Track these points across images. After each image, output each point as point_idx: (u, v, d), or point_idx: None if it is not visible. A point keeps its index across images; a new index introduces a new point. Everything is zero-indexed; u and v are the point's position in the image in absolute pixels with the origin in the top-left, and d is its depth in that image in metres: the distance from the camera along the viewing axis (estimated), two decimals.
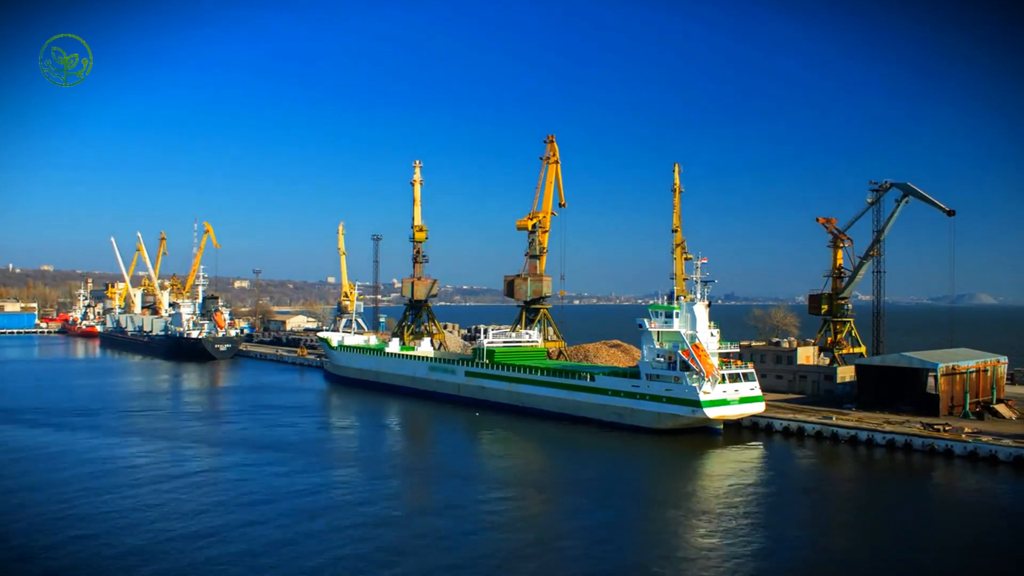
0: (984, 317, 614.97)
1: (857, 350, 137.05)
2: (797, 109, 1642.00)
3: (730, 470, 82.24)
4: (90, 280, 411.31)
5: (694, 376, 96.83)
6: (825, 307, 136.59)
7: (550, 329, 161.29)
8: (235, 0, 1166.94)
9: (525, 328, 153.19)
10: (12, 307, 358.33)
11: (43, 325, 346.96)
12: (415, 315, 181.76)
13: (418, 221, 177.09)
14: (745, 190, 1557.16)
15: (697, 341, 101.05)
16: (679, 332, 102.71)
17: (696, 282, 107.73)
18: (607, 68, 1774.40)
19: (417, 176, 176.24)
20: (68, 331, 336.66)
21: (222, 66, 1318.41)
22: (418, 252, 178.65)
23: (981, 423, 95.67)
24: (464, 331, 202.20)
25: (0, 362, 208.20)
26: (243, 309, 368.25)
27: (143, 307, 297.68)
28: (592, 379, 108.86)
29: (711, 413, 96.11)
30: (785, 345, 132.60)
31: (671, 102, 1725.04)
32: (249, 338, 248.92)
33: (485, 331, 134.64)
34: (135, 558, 51.22)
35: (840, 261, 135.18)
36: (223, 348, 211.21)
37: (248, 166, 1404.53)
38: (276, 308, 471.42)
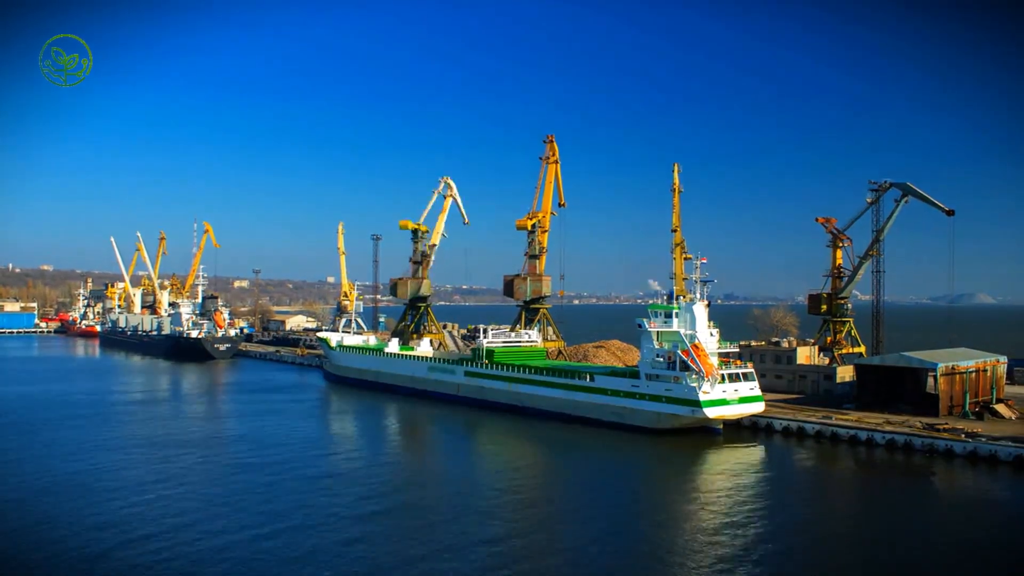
0: (984, 317, 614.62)
1: (857, 350, 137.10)
2: (797, 109, 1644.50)
3: (730, 470, 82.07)
4: (90, 280, 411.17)
5: (694, 376, 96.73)
6: (825, 307, 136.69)
7: (550, 329, 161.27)
8: (235, 0, 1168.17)
9: (525, 328, 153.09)
10: (12, 307, 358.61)
11: (43, 325, 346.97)
12: (414, 315, 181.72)
13: (440, 228, 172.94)
14: (745, 190, 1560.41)
15: (697, 341, 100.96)
16: (679, 332, 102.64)
17: (696, 282, 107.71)
18: (607, 67, 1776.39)
19: (452, 190, 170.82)
20: (68, 331, 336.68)
21: (222, 66, 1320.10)
22: (417, 251, 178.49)
23: (981, 423, 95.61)
24: (464, 331, 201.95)
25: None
26: (243, 309, 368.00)
27: (143, 307, 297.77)
28: (591, 379, 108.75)
29: (711, 413, 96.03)
30: (785, 345, 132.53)
31: (671, 102, 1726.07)
32: (249, 338, 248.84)
33: (485, 331, 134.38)
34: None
35: (840, 261, 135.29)
36: (223, 348, 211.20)
37: (248, 166, 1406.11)
38: (276, 308, 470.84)
